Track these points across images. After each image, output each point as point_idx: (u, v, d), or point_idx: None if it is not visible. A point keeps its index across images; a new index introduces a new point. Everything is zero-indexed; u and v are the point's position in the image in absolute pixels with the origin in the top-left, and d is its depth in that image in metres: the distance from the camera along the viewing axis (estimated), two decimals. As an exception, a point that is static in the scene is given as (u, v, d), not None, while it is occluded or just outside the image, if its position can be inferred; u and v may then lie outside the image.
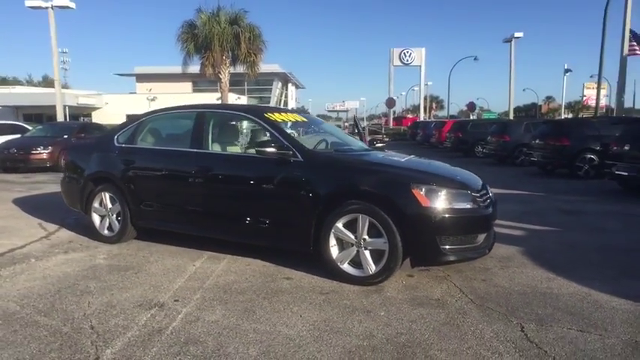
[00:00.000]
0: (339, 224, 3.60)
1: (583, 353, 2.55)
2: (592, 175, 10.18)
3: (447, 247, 3.42)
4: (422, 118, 42.06)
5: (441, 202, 3.41)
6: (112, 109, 35.76)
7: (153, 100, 33.01)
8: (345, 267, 3.63)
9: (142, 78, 42.80)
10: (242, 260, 4.22)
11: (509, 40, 29.49)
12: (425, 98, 31.13)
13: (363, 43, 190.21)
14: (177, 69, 23.55)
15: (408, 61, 28.22)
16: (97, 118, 34.56)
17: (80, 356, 2.55)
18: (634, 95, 40.27)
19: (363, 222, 3.51)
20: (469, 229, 3.51)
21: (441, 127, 21.34)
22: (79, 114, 35.52)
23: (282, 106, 58.85)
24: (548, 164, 11.17)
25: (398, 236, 3.39)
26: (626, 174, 7.80)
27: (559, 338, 2.73)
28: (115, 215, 4.82)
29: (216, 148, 4.39)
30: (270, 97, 44.19)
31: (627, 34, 17.35)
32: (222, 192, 4.20)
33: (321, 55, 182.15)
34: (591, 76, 43.70)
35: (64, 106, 23.45)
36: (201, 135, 4.36)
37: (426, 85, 33.72)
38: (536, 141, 11.48)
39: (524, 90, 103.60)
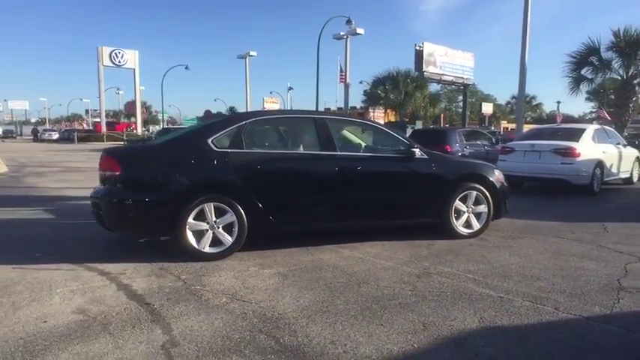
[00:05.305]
0: (457, 199, 5.22)
1: (599, 238, 5.31)
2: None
3: (506, 206, 5.64)
4: (139, 123, 41.47)
5: (502, 179, 5.61)
6: None
7: None
8: (461, 229, 5.28)
9: None
10: (382, 244, 4.97)
11: (243, 57, 33.24)
12: (138, 103, 31.02)
13: (64, 37, 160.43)
14: None
15: (120, 62, 26.83)
16: None
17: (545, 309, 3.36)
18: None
19: (471, 196, 5.29)
20: (508, 195, 5.83)
21: None
22: None
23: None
24: None
25: (492, 202, 5.36)
26: None
27: (582, 235, 5.43)
28: (221, 227, 4.46)
29: (344, 150, 5.02)
30: None
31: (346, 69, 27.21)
32: (367, 187, 4.95)
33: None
34: (270, 92, 59.45)
35: None
36: (330, 139, 4.87)
37: (141, 89, 33.26)
38: None
39: (215, 100, 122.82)
